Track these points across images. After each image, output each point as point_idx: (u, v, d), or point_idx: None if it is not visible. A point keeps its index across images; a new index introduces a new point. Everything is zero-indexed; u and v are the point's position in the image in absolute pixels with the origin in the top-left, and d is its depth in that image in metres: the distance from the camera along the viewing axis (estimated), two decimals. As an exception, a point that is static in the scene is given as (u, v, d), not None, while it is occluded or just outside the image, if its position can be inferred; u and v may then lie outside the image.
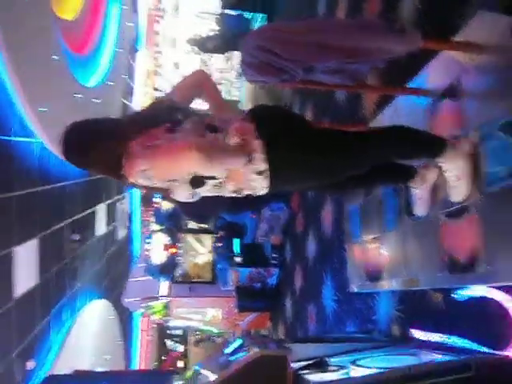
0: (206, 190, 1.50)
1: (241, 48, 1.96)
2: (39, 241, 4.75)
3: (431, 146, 1.72)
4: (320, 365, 1.71)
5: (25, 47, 4.10)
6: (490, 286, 1.70)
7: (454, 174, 1.72)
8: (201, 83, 1.68)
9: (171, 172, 1.42)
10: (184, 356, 16.44)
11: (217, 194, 1.53)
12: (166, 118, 1.45)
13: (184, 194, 1.48)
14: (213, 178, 1.46)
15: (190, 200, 1.51)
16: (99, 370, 6.28)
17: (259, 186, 1.49)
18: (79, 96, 5.85)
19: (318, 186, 1.81)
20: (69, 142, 1.45)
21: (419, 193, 1.95)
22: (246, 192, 1.52)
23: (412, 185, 1.95)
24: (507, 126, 1.52)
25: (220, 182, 1.48)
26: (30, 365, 4.47)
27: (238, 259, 5.90)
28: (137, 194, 9.26)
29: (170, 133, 1.41)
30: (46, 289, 5.17)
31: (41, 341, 5.13)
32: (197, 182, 1.46)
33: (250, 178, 1.47)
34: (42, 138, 4.61)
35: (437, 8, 2.21)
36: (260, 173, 1.46)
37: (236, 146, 1.43)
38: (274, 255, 5.73)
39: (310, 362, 1.75)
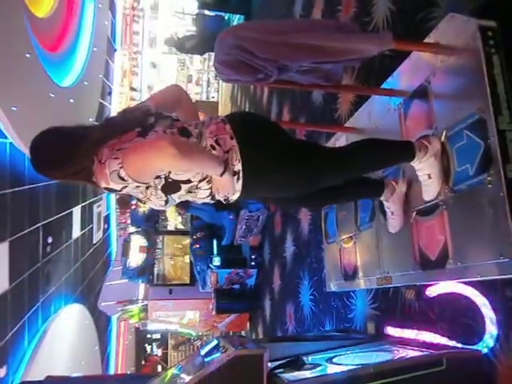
0: (179, 197, 1.48)
1: (215, 46, 1.95)
2: (10, 244, 4.62)
3: (402, 151, 1.76)
4: (295, 363, 1.71)
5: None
6: (460, 282, 1.74)
7: (425, 173, 1.76)
8: (179, 98, 1.61)
9: (144, 169, 1.34)
10: (163, 360, 16.26)
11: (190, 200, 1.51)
12: (137, 122, 1.41)
13: (158, 202, 1.46)
14: (187, 181, 1.42)
15: (163, 208, 1.48)
16: (75, 375, 6.14)
17: (232, 188, 1.46)
18: (53, 95, 5.72)
19: (289, 196, 1.79)
20: (36, 155, 1.39)
21: (392, 207, 1.96)
22: (218, 197, 1.51)
23: (383, 198, 1.98)
24: (474, 125, 1.56)
25: (193, 187, 1.45)
26: (1, 371, 4.34)
27: (216, 260, 5.87)
28: (113, 195, 9.12)
29: (141, 136, 1.38)
30: (18, 294, 5.03)
31: (13, 347, 4.99)
32: (170, 186, 1.42)
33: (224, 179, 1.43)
34: (13, 137, 4.49)
35: (409, 10, 2.26)
36: (234, 173, 1.43)
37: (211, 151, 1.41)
38: (253, 256, 5.73)
39: (285, 360, 1.75)
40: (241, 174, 1.44)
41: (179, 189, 1.43)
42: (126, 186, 1.37)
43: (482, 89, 1.51)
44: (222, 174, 1.40)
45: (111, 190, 1.41)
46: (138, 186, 1.38)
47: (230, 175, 1.42)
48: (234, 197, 1.53)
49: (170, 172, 1.39)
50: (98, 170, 1.35)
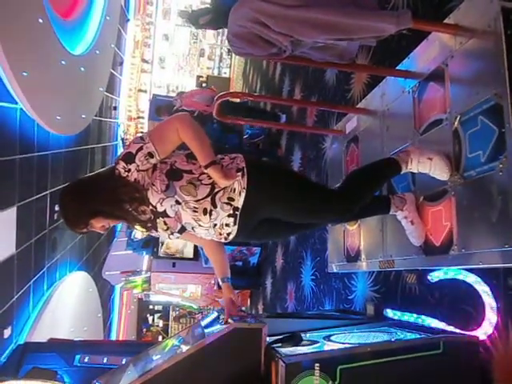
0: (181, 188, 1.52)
1: (229, 17, 1.91)
2: (17, 209, 4.67)
3: (389, 168, 1.85)
4: (293, 339, 1.73)
5: (8, 6, 3.94)
6: (463, 269, 1.74)
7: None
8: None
9: (165, 133, 1.53)
10: (164, 331, 16.62)
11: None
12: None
13: (159, 186, 1.51)
14: (189, 171, 1.51)
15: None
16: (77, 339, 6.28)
17: (233, 175, 1.52)
18: (64, 63, 5.68)
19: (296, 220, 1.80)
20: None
21: (409, 215, 1.93)
22: (221, 200, 1.52)
23: (395, 211, 1.97)
24: (490, 111, 1.52)
25: (195, 178, 1.51)
26: (6, 332, 4.46)
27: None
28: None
29: None
30: (24, 258, 5.12)
31: (18, 309, 5.11)
32: (173, 173, 1.50)
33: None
34: (24, 103, 4.48)
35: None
36: (238, 170, 1.53)
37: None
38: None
39: (283, 336, 1.77)
40: (245, 170, 1.53)
41: (181, 177, 1.50)
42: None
43: (501, 74, 1.47)
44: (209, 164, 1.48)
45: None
46: (147, 170, 1.48)
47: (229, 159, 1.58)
48: (241, 199, 1.53)
49: (175, 161, 1.53)
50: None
